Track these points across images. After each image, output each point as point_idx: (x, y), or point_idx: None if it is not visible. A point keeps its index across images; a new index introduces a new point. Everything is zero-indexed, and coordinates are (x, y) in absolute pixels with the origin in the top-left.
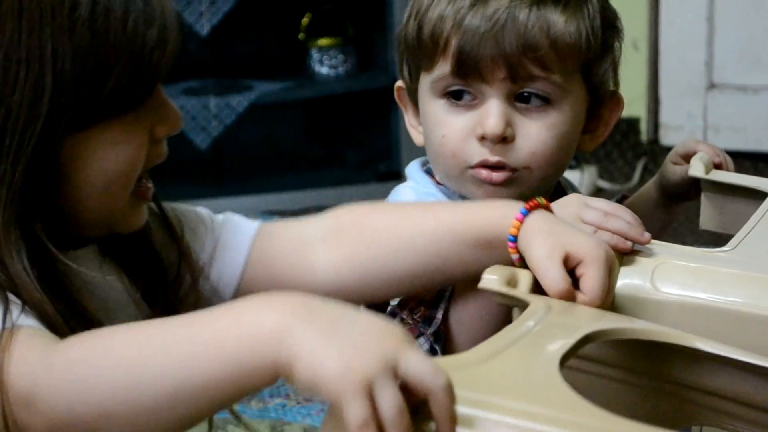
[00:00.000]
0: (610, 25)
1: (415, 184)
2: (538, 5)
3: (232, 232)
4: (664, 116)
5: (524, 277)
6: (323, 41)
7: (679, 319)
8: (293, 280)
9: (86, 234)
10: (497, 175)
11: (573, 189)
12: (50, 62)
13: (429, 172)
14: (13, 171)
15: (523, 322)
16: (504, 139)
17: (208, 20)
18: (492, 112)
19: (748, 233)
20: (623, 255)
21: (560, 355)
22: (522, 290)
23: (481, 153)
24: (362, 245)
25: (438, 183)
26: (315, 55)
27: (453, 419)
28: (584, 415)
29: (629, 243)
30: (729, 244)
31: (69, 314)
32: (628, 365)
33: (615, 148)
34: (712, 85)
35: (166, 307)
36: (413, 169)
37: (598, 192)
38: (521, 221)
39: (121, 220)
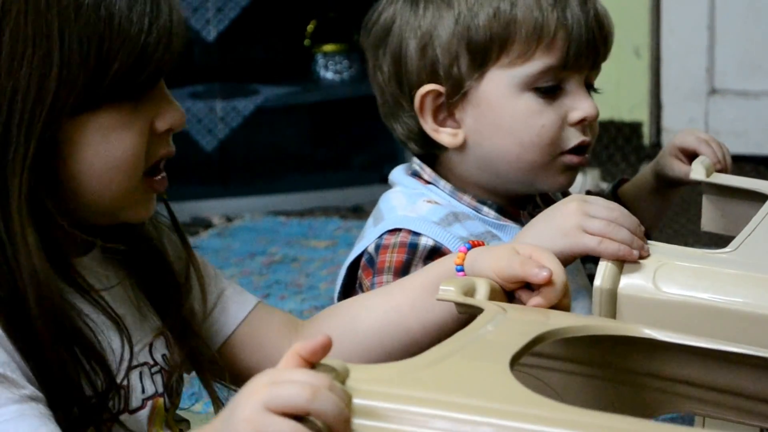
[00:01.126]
0: None
1: (403, 188)
2: None
3: (238, 292)
4: (667, 121)
5: (481, 286)
6: (328, 47)
7: (681, 319)
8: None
9: (94, 222)
10: (585, 158)
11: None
12: (57, 41)
13: (415, 175)
14: (26, 146)
15: (476, 326)
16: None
17: (215, 26)
18: (584, 97)
19: (749, 235)
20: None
21: (511, 354)
22: (479, 298)
23: (577, 136)
24: (347, 343)
25: (427, 182)
26: (320, 60)
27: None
28: (535, 407)
29: (636, 253)
30: (730, 246)
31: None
32: (589, 360)
33: (618, 151)
34: (713, 91)
35: (176, 316)
36: (399, 174)
37: (600, 195)
38: (465, 252)
39: (129, 208)
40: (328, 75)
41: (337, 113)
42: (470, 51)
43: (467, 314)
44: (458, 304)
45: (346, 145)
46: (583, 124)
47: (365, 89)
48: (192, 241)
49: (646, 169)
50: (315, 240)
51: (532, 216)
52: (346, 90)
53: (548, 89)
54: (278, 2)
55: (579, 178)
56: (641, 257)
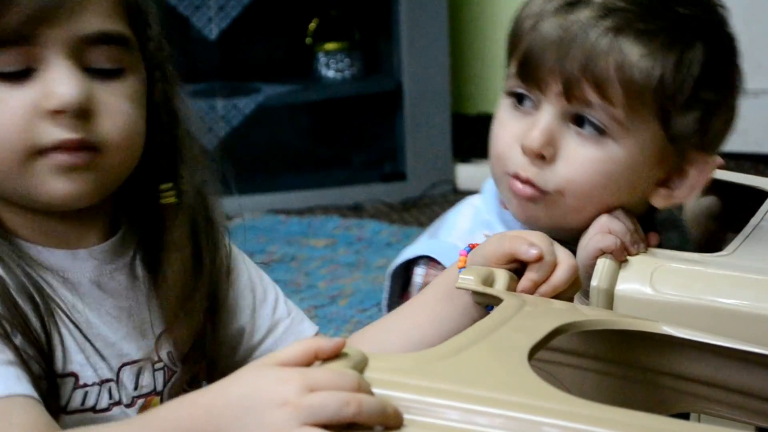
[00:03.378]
0: (717, 82)
1: (480, 204)
2: (618, 30)
3: (297, 322)
4: None
5: (501, 277)
6: (330, 45)
7: (678, 321)
8: None
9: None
10: (522, 189)
11: (676, 228)
12: None
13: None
14: None
15: (495, 318)
16: (543, 158)
17: (217, 25)
18: (537, 125)
19: (746, 237)
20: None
21: (529, 347)
22: (498, 288)
23: (518, 164)
24: None
25: (505, 207)
26: (322, 58)
27: (381, 413)
28: (550, 400)
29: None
30: (727, 249)
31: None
32: (603, 356)
33: None
34: None
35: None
36: (490, 183)
37: None
38: (465, 255)
39: (27, 188)
40: (330, 73)
41: (339, 112)
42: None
43: (485, 303)
44: (477, 294)
45: (347, 144)
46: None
47: (367, 87)
48: None
49: None
50: (314, 239)
51: None
52: (348, 88)
53: (518, 97)
54: (280, 0)
55: None
56: (629, 253)
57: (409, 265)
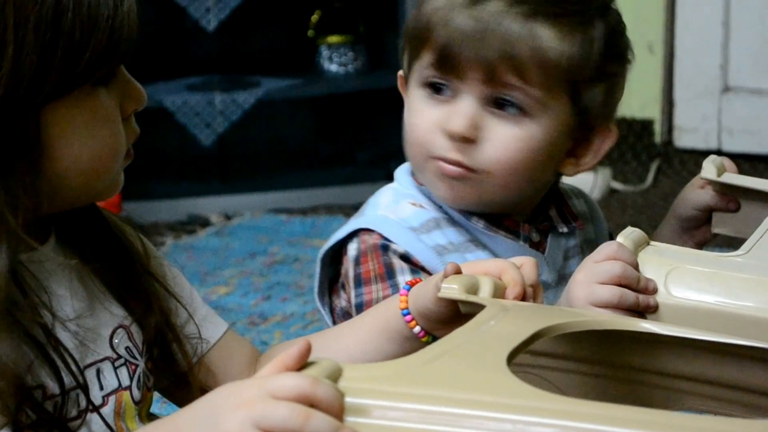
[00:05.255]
0: (616, 55)
1: (397, 186)
2: (529, 16)
3: (211, 314)
4: (679, 119)
5: (485, 284)
6: (333, 38)
7: (693, 324)
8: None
9: (67, 207)
10: (452, 169)
11: (581, 196)
12: (12, 31)
13: (414, 174)
14: None
15: (475, 323)
16: (468, 140)
17: (215, 16)
18: (460, 112)
19: (762, 237)
20: None
21: (509, 350)
22: (482, 296)
23: (443, 148)
24: None
25: (420, 184)
26: (324, 52)
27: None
28: (530, 399)
29: (652, 301)
30: (742, 248)
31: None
32: (589, 357)
33: (629, 149)
34: (726, 88)
35: (136, 295)
36: (400, 171)
37: (611, 193)
38: (406, 294)
39: (107, 190)
40: (333, 67)
41: (342, 107)
42: (407, 40)
43: (471, 312)
44: (461, 302)
45: (351, 141)
46: (449, 138)
47: (371, 82)
48: (189, 240)
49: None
50: (318, 239)
51: (539, 231)
52: (352, 83)
53: (435, 87)
54: None
55: (590, 177)
56: (647, 310)
57: (338, 251)
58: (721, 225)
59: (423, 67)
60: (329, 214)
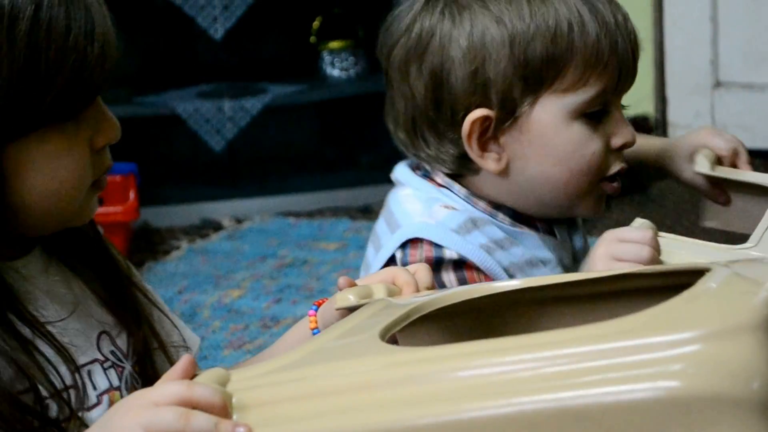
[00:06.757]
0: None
1: (415, 191)
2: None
3: (185, 326)
4: (672, 115)
5: (379, 290)
6: (334, 44)
7: None
8: None
9: (34, 234)
10: (618, 185)
11: None
12: None
13: (425, 176)
14: None
15: (354, 315)
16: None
17: (222, 25)
18: (624, 121)
19: None
20: None
21: (383, 325)
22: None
23: (617, 163)
24: None
25: (440, 185)
26: (326, 57)
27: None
28: (406, 354)
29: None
30: (751, 240)
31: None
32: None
33: None
34: (718, 84)
35: (123, 305)
36: (406, 174)
37: None
38: (315, 315)
39: (76, 215)
40: (335, 72)
41: (345, 111)
42: (525, 76)
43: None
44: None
45: (355, 144)
46: (623, 149)
47: (372, 86)
48: (203, 244)
49: (650, 151)
50: (325, 242)
51: (549, 223)
52: (353, 87)
53: (595, 114)
54: None
55: None
56: None
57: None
58: (711, 218)
59: (592, 96)
60: (335, 216)
